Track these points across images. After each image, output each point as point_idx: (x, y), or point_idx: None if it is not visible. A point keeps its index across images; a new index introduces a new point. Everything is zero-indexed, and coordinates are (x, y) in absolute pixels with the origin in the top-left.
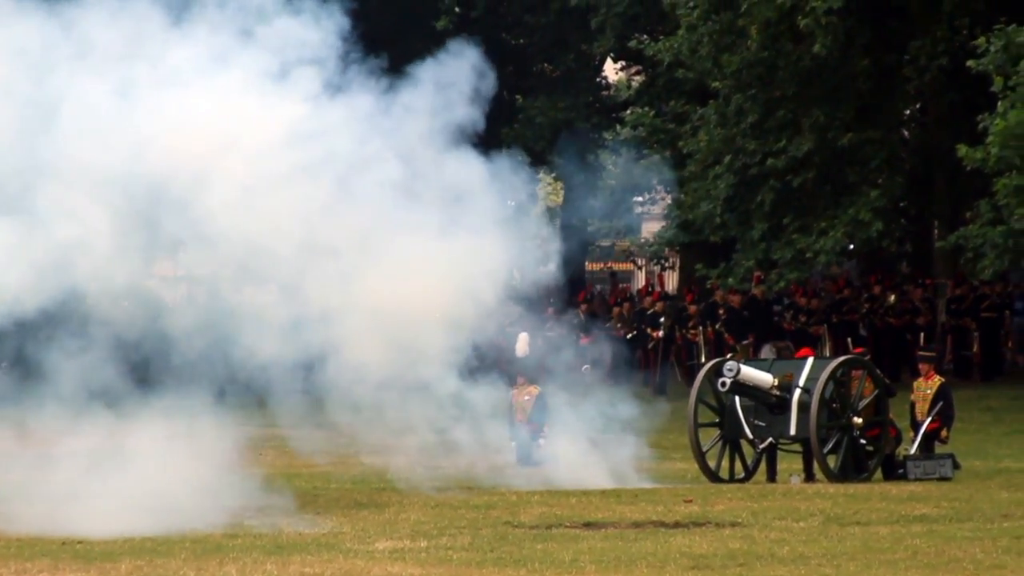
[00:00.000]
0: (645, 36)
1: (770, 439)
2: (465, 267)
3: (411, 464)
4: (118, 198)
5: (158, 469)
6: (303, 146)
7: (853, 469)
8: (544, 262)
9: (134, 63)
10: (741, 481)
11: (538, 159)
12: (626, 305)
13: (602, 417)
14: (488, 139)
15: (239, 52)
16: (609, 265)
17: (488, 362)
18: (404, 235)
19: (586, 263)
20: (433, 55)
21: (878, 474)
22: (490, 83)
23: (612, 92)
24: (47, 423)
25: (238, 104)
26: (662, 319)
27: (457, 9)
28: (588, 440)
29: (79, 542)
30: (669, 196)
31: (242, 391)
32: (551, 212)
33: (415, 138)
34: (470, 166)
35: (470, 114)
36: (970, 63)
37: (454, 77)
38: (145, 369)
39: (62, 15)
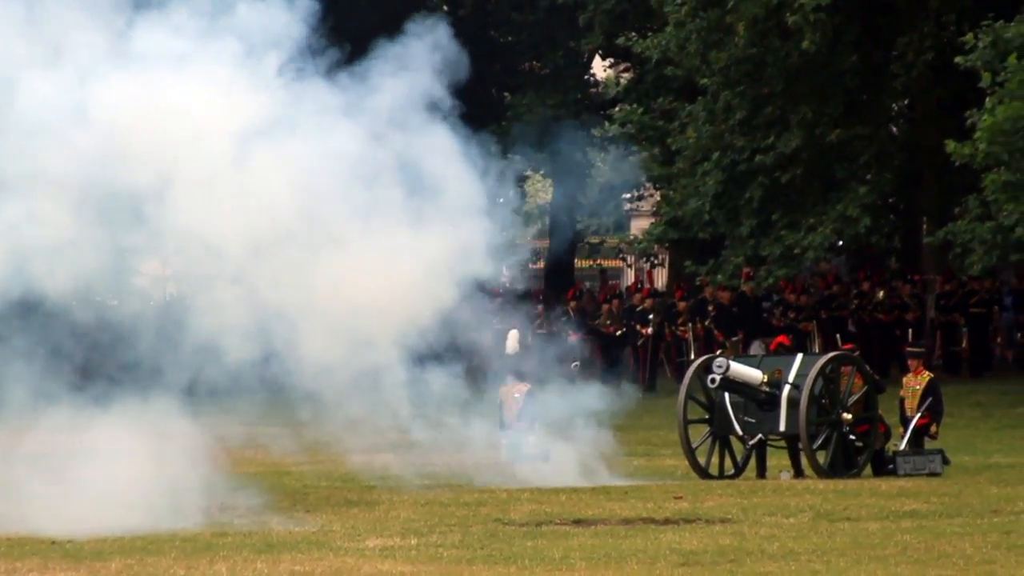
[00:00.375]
0: (633, 33)
1: (760, 435)
2: (427, 257)
3: (400, 462)
4: (77, 193)
5: (132, 468)
6: (264, 137)
7: (843, 465)
8: (523, 255)
9: (94, 52)
10: (731, 477)
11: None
12: (615, 302)
13: (571, 410)
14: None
15: (204, 40)
16: (598, 262)
17: (449, 353)
18: (364, 225)
19: (575, 260)
20: (397, 37)
21: (867, 470)
22: (463, 64)
23: (600, 89)
24: (13, 422)
25: (197, 95)
26: (651, 316)
27: (445, 7)
28: (558, 435)
29: (69, 541)
30: (658, 193)
31: (206, 389)
32: (540, 209)
33: (381, 125)
34: (440, 150)
35: (438, 91)
36: (958, 59)
37: (418, 54)
38: (104, 366)
39: (20, 2)
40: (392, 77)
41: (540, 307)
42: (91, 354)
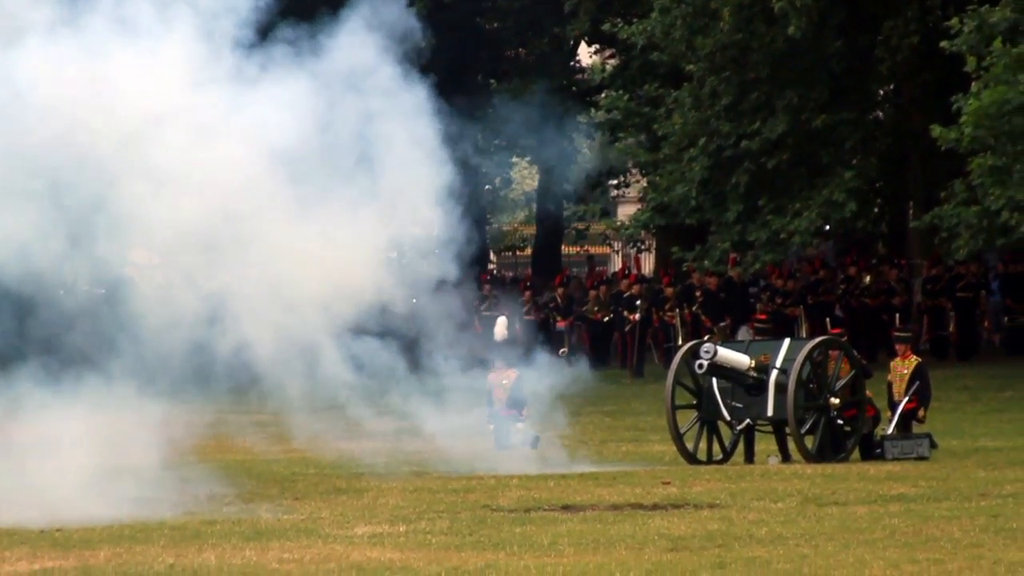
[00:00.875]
0: (619, 19)
1: (748, 420)
2: (364, 241)
3: (388, 449)
4: (24, 174)
5: (109, 457)
6: (208, 112)
7: (831, 449)
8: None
9: (53, 34)
10: (719, 463)
11: (512, 143)
12: (603, 288)
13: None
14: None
15: (154, 21)
16: (585, 248)
17: (382, 330)
18: (300, 206)
19: (562, 246)
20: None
21: (855, 454)
22: (419, 33)
23: (586, 75)
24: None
25: (135, 74)
26: (639, 302)
27: None
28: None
29: (57, 530)
30: (644, 179)
31: (153, 375)
32: (526, 196)
33: (331, 104)
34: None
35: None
36: (944, 44)
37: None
38: (56, 352)
39: None
40: (344, 43)
41: (527, 294)
42: (45, 341)
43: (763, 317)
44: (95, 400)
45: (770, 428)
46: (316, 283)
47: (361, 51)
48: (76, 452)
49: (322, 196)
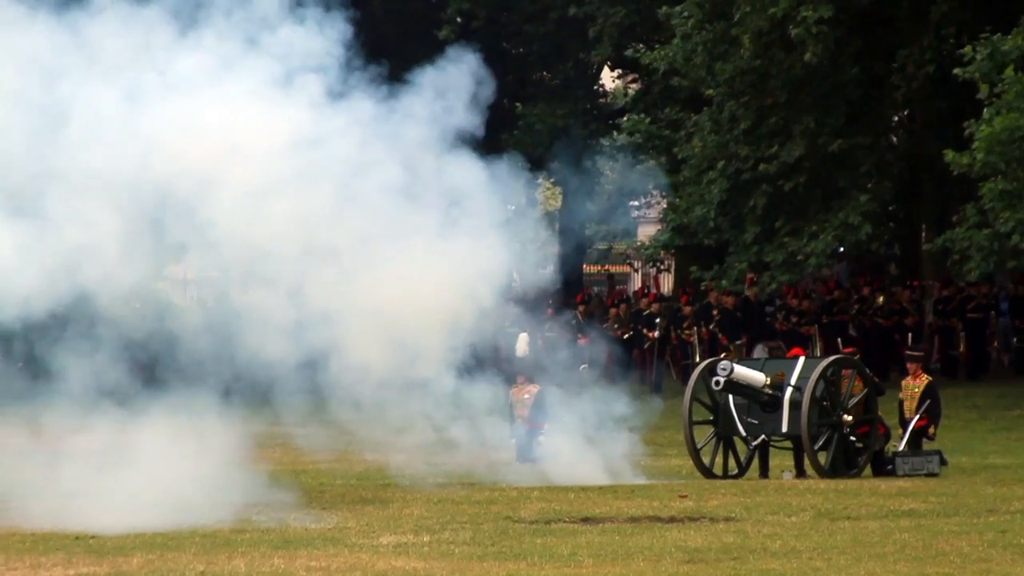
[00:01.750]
0: (641, 45)
1: (763, 436)
2: (464, 269)
3: (412, 461)
4: (126, 203)
5: (166, 466)
6: (306, 151)
7: (843, 465)
8: (543, 265)
9: (142, 70)
10: (735, 477)
11: (537, 164)
12: (623, 306)
13: (598, 415)
14: (488, 145)
15: (244, 60)
16: (606, 267)
17: (485, 362)
18: (404, 237)
19: (583, 265)
20: (433, 62)
21: (867, 470)
22: (489, 88)
23: (609, 99)
24: (58, 421)
25: (243, 111)
26: (658, 320)
27: (459, 19)
28: (584, 438)
29: (92, 537)
30: (664, 200)
31: (247, 390)
32: (550, 216)
33: (415, 143)
34: (469, 170)
35: (469, 119)
36: (957, 71)
37: (454, 83)
38: (153, 369)
39: (73, 23)
40: (428, 102)
41: (550, 311)
42: (140, 355)
43: (803, 353)
44: (184, 414)
45: (786, 444)
46: (421, 302)
47: (445, 102)
48: (146, 463)
49: (419, 221)
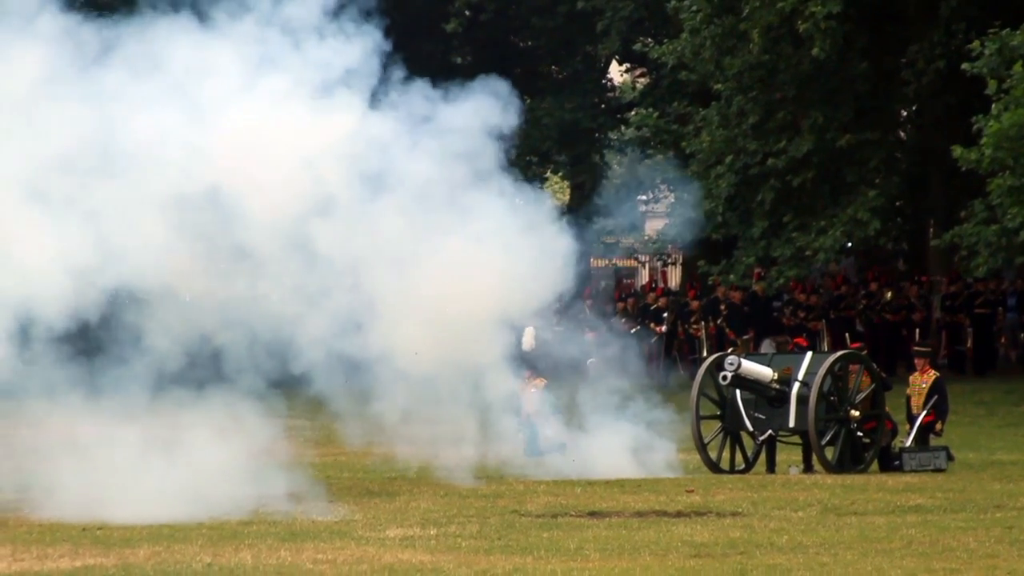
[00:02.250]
0: (649, 39)
1: (769, 431)
2: (517, 268)
3: (421, 454)
4: (182, 206)
5: (192, 458)
6: (356, 157)
7: (850, 461)
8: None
9: (194, 77)
10: (741, 472)
11: (544, 158)
12: (630, 301)
13: (634, 418)
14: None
15: (292, 67)
16: (613, 262)
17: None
18: (456, 238)
19: (591, 260)
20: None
21: (874, 465)
22: (515, 113)
23: (617, 94)
24: (106, 413)
25: (293, 116)
26: (665, 314)
27: (467, 12)
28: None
29: (99, 528)
30: (672, 195)
31: (295, 384)
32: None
33: (459, 154)
34: (504, 189)
35: (500, 146)
36: (965, 66)
37: (486, 111)
38: (208, 363)
39: (131, 31)
40: (466, 117)
41: (557, 304)
42: (194, 349)
43: (804, 343)
44: (225, 407)
45: (793, 439)
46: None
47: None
48: (178, 453)
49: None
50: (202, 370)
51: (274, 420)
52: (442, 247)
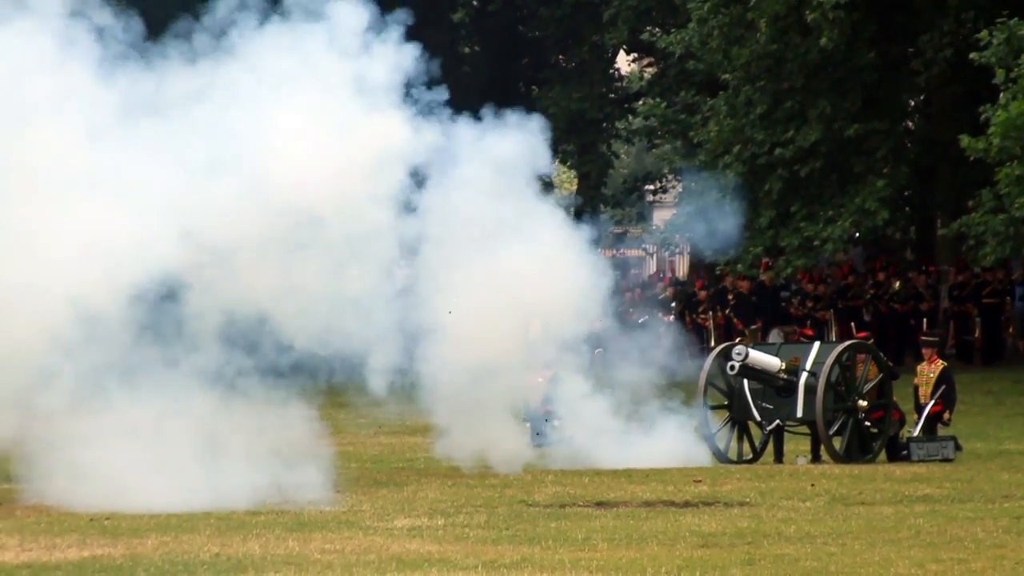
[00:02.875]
0: (657, 29)
1: (777, 421)
2: (575, 269)
3: (428, 445)
4: (248, 202)
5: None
6: (408, 162)
7: (858, 450)
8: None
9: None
10: (749, 462)
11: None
12: (638, 291)
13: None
14: None
15: (347, 77)
16: (621, 251)
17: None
18: (519, 240)
19: (599, 249)
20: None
21: (882, 455)
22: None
23: (625, 83)
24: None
25: (347, 123)
26: (673, 304)
27: (474, 2)
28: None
29: (107, 518)
30: (680, 184)
31: (346, 374)
32: (565, 200)
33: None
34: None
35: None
36: (973, 55)
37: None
38: (259, 354)
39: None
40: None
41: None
42: (251, 340)
43: (811, 333)
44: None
45: (801, 429)
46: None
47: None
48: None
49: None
50: (260, 361)
51: (301, 410)
52: (503, 259)
